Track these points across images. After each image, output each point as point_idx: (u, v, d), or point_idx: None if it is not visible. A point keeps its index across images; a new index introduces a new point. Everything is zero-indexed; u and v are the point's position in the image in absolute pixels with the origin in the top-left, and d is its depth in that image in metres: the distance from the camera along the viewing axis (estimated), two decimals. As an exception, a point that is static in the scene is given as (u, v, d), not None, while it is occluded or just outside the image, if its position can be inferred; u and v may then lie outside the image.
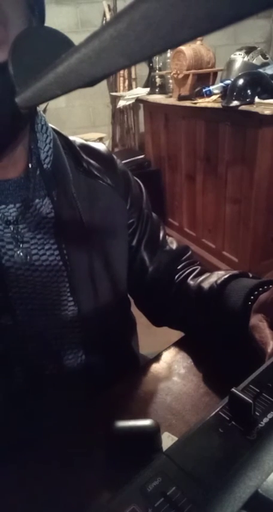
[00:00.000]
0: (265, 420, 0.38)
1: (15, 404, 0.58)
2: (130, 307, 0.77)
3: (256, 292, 0.59)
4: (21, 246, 0.56)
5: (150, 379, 0.60)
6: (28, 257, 0.56)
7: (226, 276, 0.64)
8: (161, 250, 0.74)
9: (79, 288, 0.61)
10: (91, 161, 0.66)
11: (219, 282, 0.63)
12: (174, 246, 0.77)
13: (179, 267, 0.74)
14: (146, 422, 0.46)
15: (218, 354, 0.62)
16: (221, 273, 0.67)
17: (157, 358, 0.64)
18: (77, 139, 0.68)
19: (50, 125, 0.62)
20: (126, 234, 0.70)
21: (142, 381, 0.60)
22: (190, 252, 0.78)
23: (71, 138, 0.66)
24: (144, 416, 0.52)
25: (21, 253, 0.56)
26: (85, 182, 0.63)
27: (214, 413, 0.41)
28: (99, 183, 0.65)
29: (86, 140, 0.70)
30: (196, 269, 0.73)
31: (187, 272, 0.73)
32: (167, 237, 0.77)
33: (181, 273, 0.73)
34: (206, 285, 0.66)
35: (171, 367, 0.62)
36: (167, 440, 0.48)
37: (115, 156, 0.72)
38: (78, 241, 0.60)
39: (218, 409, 0.41)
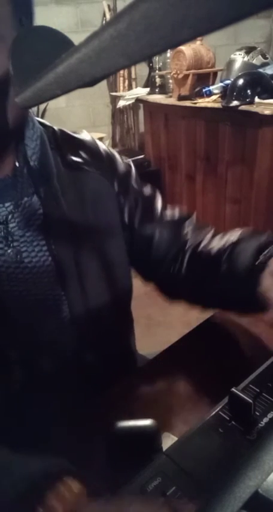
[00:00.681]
0: (265, 420, 0.38)
1: (14, 405, 0.58)
2: (130, 303, 0.75)
3: (265, 252, 0.58)
4: (11, 245, 0.56)
5: (150, 379, 0.60)
6: (18, 256, 0.56)
7: (237, 237, 0.63)
8: (161, 222, 0.72)
9: (70, 285, 0.60)
10: (77, 152, 0.64)
11: (227, 244, 0.62)
12: (176, 214, 0.74)
13: (186, 235, 0.72)
14: (146, 422, 0.46)
15: (218, 354, 0.62)
16: (233, 234, 0.65)
17: (156, 358, 0.64)
18: (62, 130, 0.66)
19: (37, 118, 0.61)
20: (119, 223, 0.68)
21: (142, 381, 0.60)
22: (193, 217, 0.75)
23: (56, 128, 0.65)
24: (144, 417, 0.52)
25: (11, 252, 0.55)
26: (71, 176, 0.62)
27: (214, 413, 0.41)
28: (86, 174, 0.64)
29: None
30: (206, 234, 0.70)
31: (197, 239, 0.70)
32: (168, 207, 0.75)
33: (191, 240, 0.71)
34: (215, 248, 0.64)
35: (171, 367, 0.62)
36: (167, 440, 0.48)
37: (98, 142, 0.70)
38: (65, 238, 0.60)
39: (218, 409, 0.41)
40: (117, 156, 0.71)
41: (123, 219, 0.69)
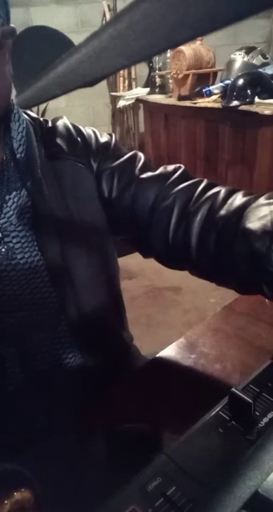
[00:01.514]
0: (265, 420, 0.38)
1: (14, 405, 0.58)
2: (120, 294, 0.73)
3: None
4: (2, 241, 0.55)
5: (150, 379, 0.60)
6: (9, 253, 0.55)
7: None
8: (140, 183, 0.63)
9: (61, 283, 0.59)
10: (55, 142, 0.62)
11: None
12: (158, 170, 0.64)
13: (172, 189, 0.61)
14: (146, 422, 0.46)
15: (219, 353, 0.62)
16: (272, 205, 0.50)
17: (156, 358, 0.64)
18: (46, 121, 0.65)
19: (25, 110, 0.61)
20: (102, 212, 0.65)
21: (142, 381, 0.60)
22: (180, 170, 0.64)
23: (42, 120, 0.64)
24: (144, 417, 0.52)
25: (3, 249, 0.55)
26: (51, 166, 0.60)
27: (214, 413, 0.41)
28: (63, 163, 0.61)
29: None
30: (217, 194, 0.57)
31: (206, 200, 0.57)
32: (152, 168, 0.66)
33: (194, 202, 0.58)
34: (255, 225, 0.49)
35: (171, 367, 0.62)
36: (167, 440, 0.48)
37: (72, 125, 0.67)
38: (51, 233, 0.59)
39: (218, 409, 0.41)
40: (94, 133, 0.67)
41: (102, 195, 0.64)
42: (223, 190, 0.58)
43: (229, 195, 0.56)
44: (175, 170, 0.64)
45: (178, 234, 0.59)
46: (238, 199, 0.55)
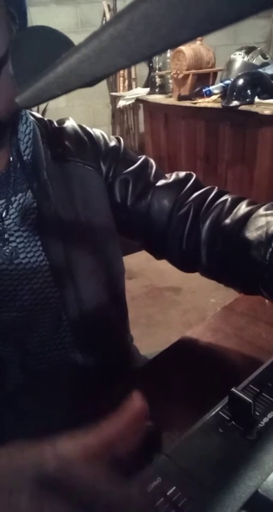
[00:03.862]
0: (265, 420, 0.38)
1: (14, 405, 0.58)
2: (124, 294, 0.73)
3: None
4: (7, 242, 0.55)
5: (150, 379, 0.60)
6: (13, 253, 0.56)
7: None
8: (155, 190, 0.65)
9: (64, 284, 0.60)
10: (62, 143, 0.63)
11: (270, 232, 0.52)
12: (171, 178, 0.67)
13: (186, 198, 0.64)
14: (146, 422, 0.46)
15: (218, 354, 0.62)
16: (269, 216, 0.54)
17: (156, 358, 0.64)
18: (51, 122, 0.66)
19: (30, 112, 0.61)
20: (111, 217, 0.66)
21: (142, 381, 0.60)
22: (193, 179, 0.67)
23: (46, 120, 0.64)
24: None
25: (7, 250, 0.55)
26: (58, 168, 0.60)
27: (214, 413, 0.41)
28: (71, 165, 0.62)
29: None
30: (224, 203, 0.62)
31: (214, 209, 0.62)
32: (164, 175, 0.69)
33: (204, 210, 0.63)
34: (252, 235, 0.54)
35: (171, 367, 0.62)
36: (167, 440, 0.48)
37: (80, 126, 0.67)
38: (56, 234, 0.59)
39: (218, 409, 0.41)
40: (102, 136, 0.68)
41: (115, 200, 0.66)
42: (229, 199, 0.63)
43: (235, 204, 0.61)
44: (188, 178, 0.67)
45: (191, 240, 0.63)
46: (242, 209, 0.59)
